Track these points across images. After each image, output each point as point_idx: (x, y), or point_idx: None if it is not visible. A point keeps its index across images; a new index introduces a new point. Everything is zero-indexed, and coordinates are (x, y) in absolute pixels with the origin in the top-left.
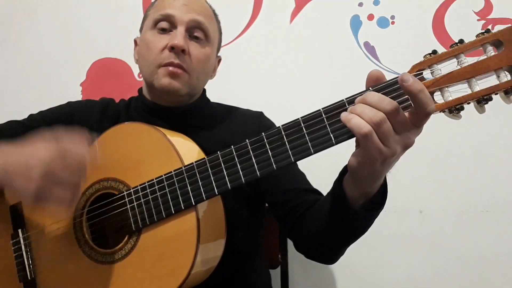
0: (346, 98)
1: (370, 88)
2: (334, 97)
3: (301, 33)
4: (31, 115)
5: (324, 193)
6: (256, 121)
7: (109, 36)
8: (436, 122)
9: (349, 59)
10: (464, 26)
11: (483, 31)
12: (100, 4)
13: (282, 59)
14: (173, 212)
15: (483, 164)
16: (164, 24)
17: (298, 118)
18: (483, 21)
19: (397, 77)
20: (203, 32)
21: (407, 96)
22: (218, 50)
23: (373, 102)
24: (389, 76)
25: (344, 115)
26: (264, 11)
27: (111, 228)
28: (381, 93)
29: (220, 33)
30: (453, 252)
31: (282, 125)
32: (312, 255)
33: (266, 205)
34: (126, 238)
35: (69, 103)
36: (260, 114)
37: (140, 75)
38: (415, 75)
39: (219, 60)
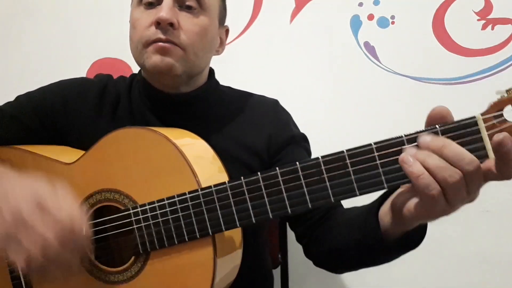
0: (405, 135)
1: (438, 126)
2: (334, 97)
3: (301, 33)
4: (18, 99)
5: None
6: (272, 111)
7: (109, 36)
8: None
9: (349, 59)
10: (464, 26)
11: None
12: (100, 4)
13: (282, 59)
14: (187, 240)
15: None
16: None
17: (343, 151)
18: (483, 21)
19: (472, 118)
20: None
21: (481, 144)
22: (222, 19)
23: (451, 158)
24: (389, 77)
25: (410, 168)
26: (264, 11)
27: (115, 245)
28: (448, 137)
29: (223, 0)
30: (453, 252)
31: (321, 157)
32: (323, 266)
33: None
34: (132, 259)
35: (60, 84)
36: (276, 102)
37: None
38: (495, 116)
39: (227, 31)
